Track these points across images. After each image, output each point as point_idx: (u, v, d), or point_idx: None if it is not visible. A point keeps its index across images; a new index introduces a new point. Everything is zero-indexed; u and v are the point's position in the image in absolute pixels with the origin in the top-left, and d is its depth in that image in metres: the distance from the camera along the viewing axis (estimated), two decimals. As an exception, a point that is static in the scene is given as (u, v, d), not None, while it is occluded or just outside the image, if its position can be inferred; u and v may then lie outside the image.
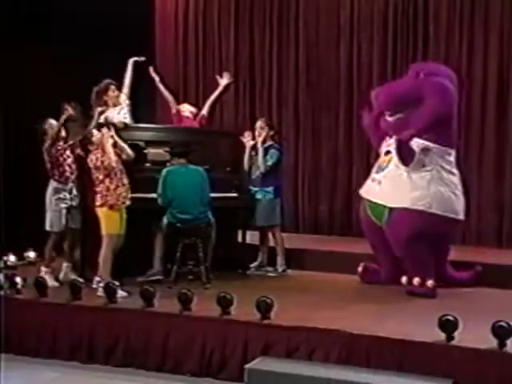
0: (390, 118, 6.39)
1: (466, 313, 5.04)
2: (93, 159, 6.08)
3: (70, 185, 6.54)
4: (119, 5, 8.17)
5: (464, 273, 6.65)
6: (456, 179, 6.33)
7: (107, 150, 6.00)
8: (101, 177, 6.02)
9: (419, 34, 8.38)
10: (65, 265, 6.60)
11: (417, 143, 6.15)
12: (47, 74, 7.95)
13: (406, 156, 6.18)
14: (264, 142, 7.15)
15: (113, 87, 6.97)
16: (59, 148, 6.50)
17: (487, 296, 6.31)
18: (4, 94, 7.02)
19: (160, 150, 6.79)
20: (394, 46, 8.49)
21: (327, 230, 8.94)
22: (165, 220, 6.46)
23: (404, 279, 6.29)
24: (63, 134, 6.54)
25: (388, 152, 6.44)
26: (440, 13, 8.26)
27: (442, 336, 4.67)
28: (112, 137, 6.11)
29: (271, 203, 7.10)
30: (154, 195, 6.45)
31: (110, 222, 6.03)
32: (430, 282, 6.12)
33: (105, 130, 6.07)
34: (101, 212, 6.04)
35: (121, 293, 5.80)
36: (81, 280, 6.20)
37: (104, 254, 6.02)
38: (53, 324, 5.63)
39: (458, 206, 6.28)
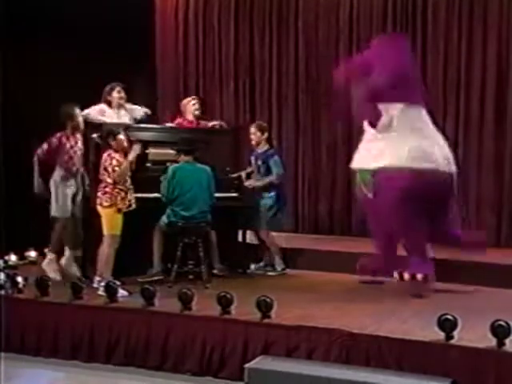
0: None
1: (465, 312, 5.06)
2: (107, 159, 6.05)
3: (77, 174, 6.58)
4: (119, 5, 8.17)
5: (471, 235, 6.54)
6: (433, 132, 6.30)
7: (128, 162, 6.08)
8: (110, 180, 6.03)
9: (418, 32, 8.39)
10: (67, 253, 6.61)
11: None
12: (47, 75, 7.95)
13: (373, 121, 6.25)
14: (258, 145, 7.30)
15: (118, 88, 6.99)
16: (73, 137, 6.54)
17: (486, 295, 6.32)
18: (4, 95, 7.02)
19: (161, 150, 6.80)
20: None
21: (327, 230, 8.96)
22: (164, 219, 6.48)
23: (395, 275, 6.28)
24: (82, 126, 6.60)
25: None
26: (439, 11, 8.27)
27: (441, 335, 4.69)
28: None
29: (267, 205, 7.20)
30: (155, 195, 6.47)
31: (114, 223, 6.06)
32: (419, 276, 6.08)
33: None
34: (106, 213, 6.05)
35: (122, 292, 5.82)
36: (83, 278, 6.25)
37: (107, 254, 6.04)
38: (54, 323, 5.65)
39: (440, 158, 6.18)
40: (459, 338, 4.69)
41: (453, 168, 6.29)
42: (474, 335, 4.74)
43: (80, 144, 6.58)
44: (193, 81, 9.62)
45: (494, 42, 8.03)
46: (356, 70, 6.41)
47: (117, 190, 6.04)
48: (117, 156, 6.08)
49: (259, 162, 7.24)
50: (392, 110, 6.20)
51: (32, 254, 7.32)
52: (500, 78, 8.05)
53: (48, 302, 5.80)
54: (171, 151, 6.67)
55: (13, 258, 7.07)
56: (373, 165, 6.19)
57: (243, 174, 7.29)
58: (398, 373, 4.58)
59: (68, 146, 6.51)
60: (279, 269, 7.21)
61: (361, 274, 6.69)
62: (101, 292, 5.82)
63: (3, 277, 6.02)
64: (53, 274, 6.44)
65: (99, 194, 6.08)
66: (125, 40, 8.11)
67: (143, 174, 6.55)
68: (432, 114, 6.51)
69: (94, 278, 6.07)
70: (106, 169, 6.04)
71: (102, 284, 5.84)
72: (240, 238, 7.25)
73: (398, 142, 6.12)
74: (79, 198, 6.60)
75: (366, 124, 6.45)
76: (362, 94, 6.25)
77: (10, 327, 5.60)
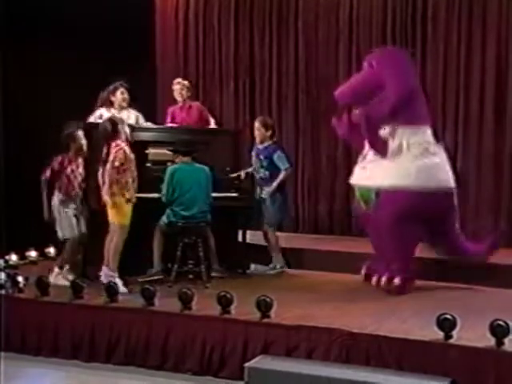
0: (357, 110, 6.43)
1: (464, 312, 5.08)
2: (116, 149, 6.08)
3: (76, 198, 6.48)
4: (119, 5, 8.17)
5: (480, 245, 6.61)
6: (438, 149, 6.35)
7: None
8: (120, 170, 6.05)
9: (418, 34, 8.41)
10: (66, 267, 6.50)
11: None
12: (47, 74, 7.98)
13: (380, 148, 6.27)
14: (262, 142, 7.20)
15: (122, 89, 6.96)
16: (74, 161, 6.45)
17: (485, 295, 6.34)
18: (4, 95, 7.03)
19: (161, 150, 6.82)
20: (392, 45, 8.51)
21: (327, 230, 8.98)
22: (164, 219, 6.50)
23: (374, 279, 6.32)
24: (85, 149, 6.49)
25: None
26: (438, 13, 8.29)
27: (441, 335, 4.71)
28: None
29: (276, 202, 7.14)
30: (155, 195, 6.49)
31: (124, 213, 6.11)
32: (396, 280, 6.13)
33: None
34: (115, 203, 6.07)
35: (122, 289, 5.84)
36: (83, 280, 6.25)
37: (116, 244, 6.09)
38: (54, 323, 5.67)
39: (444, 175, 6.27)
40: (458, 337, 4.70)
41: (453, 183, 6.36)
42: (473, 335, 4.75)
43: (81, 169, 6.47)
44: (193, 81, 9.62)
45: (493, 44, 8.05)
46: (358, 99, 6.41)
47: (125, 179, 6.07)
48: (124, 146, 6.12)
49: (261, 157, 7.15)
50: (401, 135, 6.22)
51: (32, 253, 7.33)
52: (499, 80, 8.07)
53: (48, 301, 5.82)
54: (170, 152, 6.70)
55: (13, 257, 7.08)
56: (378, 183, 6.21)
57: (242, 173, 7.27)
58: (398, 372, 4.60)
59: (69, 169, 6.39)
60: (278, 266, 7.20)
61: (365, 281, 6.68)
62: (104, 281, 5.89)
63: (4, 276, 6.04)
64: (63, 281, 6.30)
65: (106, 185, 6.09)
66: (125, 40, 8.13)
67: (143, 174, 6.56)
68: (435, 129, 6.59)
69: (101, 273, 6.09)
70: (115, 158, 6.05)
71: (110, 275, 5.89)
72: (240, 238, 7.26)
73: (405, 162, 6.18)
74: (81, 221, 6.49)
75: (367, 144, 6.45)
76: (380, 110, 6.22)
77: (10, 327, 5.62)
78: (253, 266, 7.37)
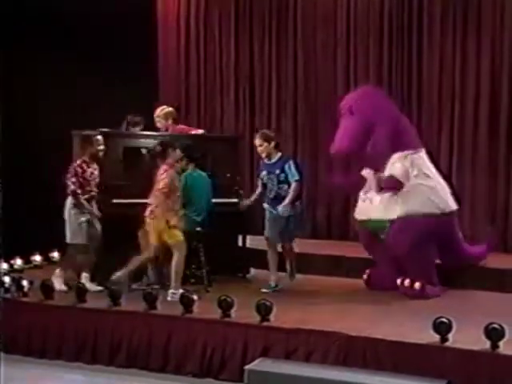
0: (366, 172, 6.69)
1: (460, 315, 5.17)
2: (163, 175, 6.19)
3: (92, 200, 6.47)
4: (121, 8, 8.17)
5: (478, 248, 7.00)
6: (435, 175, 6.65)
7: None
8: (166, 195, 6.15)
9: (413, 42, 8.49)
10: (84, 275, 6.44)
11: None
12: (47, 74, 8.02)
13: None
14: (269, 157, 6.67)
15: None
16: (91, 165, 6.45)
17: (480, 299, 6.43)
18: (4, 95, 7.07)
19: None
20: (389, 55, 8.60)
21: (325, 235, 9.04)
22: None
23: (398, 281, 6.45)
24: (101, 155, 6.50)
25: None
26: (434, 24, 8.37)
27: (437, 338, 4.80)
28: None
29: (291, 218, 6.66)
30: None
31: (172, 234, 6.17)
32: (417, 284, 6.29)
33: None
34: (158, 225, 6.15)
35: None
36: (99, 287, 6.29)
37: (176, 262, 6.12)
38: (58, 326, 5.75)
39: (448, 198, 6.61)
40: (454, 340, 4.80)
41: (454, 205, 6.69)
42: (468, 338, 4.84)
43: (96, 172, 6.46)
44: (194, 89, 9.72)
45: (487, 52, 8.12)
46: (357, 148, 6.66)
47: (170, 205, 6.18)
48: (172, 172, 6.25)
49: (277, 172, 6.57)
50: (404, 160, 6.50)
51: (37, 258, 7.36)
52: (493, 89, 8.14)
53: (52, 305, 5.91)
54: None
55: (18, 262, 7.12)
56: (392, 215, 6.41)
57: (251, 201, 6.97)
58: (395, 375, 4.67)
59: (89, 172, 6.38)
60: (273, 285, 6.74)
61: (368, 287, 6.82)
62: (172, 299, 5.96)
63: (9, 280, 6.12)
64: (59, 286, 6.31)
65: (152, 206, 6.17)
66: (125, 51, 8.18)
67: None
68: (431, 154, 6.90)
69: (168, 292, 6.07)
70: (162, 183, 6.14)
71: (176, 296, 5.88)
72: (240, 243, 7.33)
73: (413, 187, 6.44)
74: (96, 225, 6.44)
75: (369, 173, 6.65)
76: (380, 156, 6.60)
77: (15, 330, 5.70)
78: (252, 271, 7.44)
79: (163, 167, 6.23)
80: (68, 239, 6.42)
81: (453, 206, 6.65)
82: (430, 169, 6.66)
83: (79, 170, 6.34)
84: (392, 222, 6.42)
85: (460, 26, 8.26)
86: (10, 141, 6.91)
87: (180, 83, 9.73)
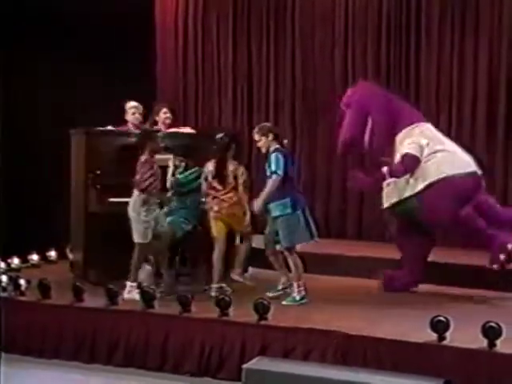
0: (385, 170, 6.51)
1: (457, 314, 5.16)
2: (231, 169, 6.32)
3: (157, 195, 6.27)
4: (120, 8, 8.20)
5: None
6: (447, 140, 6.62)
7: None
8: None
9: (412, 44, 8.52)
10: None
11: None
12: (47, 75, 8.04)
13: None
14: (268, 150, 6.24)
15: (165, 109, 7.23)
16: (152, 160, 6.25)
17: (478, 297, 6.41)
18: (4, 95, 7.09)
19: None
20: (387, 55, 8.64)
21: (324, 234, 9.02)
22: (183, 226, 6.47)
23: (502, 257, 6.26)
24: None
25: None
26: (432, 24, 8.41)
27: (435, 336, 4.81)
28: None
29: (292, 218, 6.08)
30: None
31: (213, 225, 6.32)
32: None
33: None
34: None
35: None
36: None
37: (215, 256, 6.23)
38: (56, 325, 5.75)
39: (465, 158, 6.46)
40: (452, 339, 4.81)
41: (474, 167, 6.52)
42: (466, 336, 4.85)
43: (156, 166, 6.24)
44: (192, 89, 9.72)
45: (485, 53, 8.16)
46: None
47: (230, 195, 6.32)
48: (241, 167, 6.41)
49: (266, 165, 6.19)
50: (411, 135, 6.42)
51: (34, 257, 7.34)
52: (491, 89, 8.17)
53: (50, 304, 5.91)
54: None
55: (15, 261, 7.10)
56: (418, 187, 6.30)
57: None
58: (394, 373, 4.66)
59: (155, 167, 6.19)
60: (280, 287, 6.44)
61: (387, 289, 6.65)
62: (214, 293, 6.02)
63: (6, 279, 6.12)
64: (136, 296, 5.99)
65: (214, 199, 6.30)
66: (125, 52, 8.18)
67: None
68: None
69: (211, 287, 6.16)
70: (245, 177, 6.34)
71: (218, 287, 6.04)
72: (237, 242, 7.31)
73: (430, 156, 6.35)
74: (164, 219, 6.33)
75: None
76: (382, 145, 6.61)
77: (13, 329, 5.68)
78: (250, 269, 7.43)
79: (233, 163, 6.33)
80: (137, 238, 6.06)
81: (475, 167, 6.47)
82: (441, 137, 6.58)
83: (149, 165, 6.12)
84: (421, 193, 6.27)
85: (458, 26, 8.29)
86: (9, 140, 6.94)
87: (178, 83, 9.75)
